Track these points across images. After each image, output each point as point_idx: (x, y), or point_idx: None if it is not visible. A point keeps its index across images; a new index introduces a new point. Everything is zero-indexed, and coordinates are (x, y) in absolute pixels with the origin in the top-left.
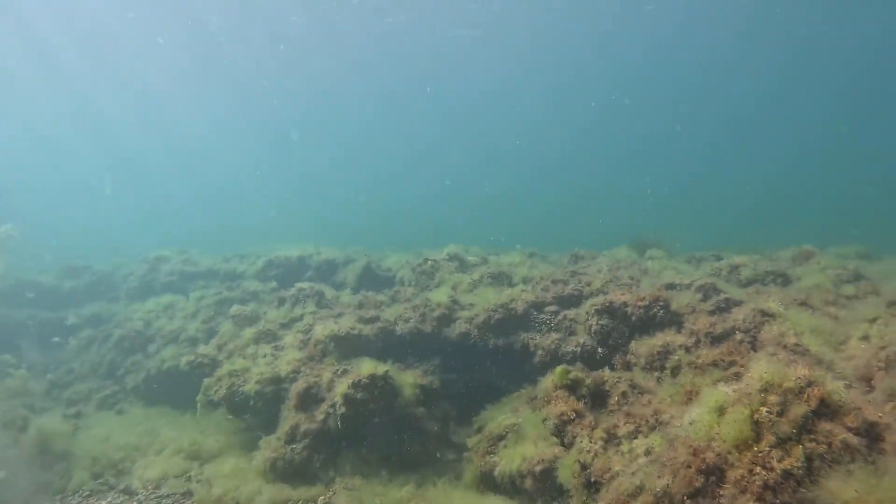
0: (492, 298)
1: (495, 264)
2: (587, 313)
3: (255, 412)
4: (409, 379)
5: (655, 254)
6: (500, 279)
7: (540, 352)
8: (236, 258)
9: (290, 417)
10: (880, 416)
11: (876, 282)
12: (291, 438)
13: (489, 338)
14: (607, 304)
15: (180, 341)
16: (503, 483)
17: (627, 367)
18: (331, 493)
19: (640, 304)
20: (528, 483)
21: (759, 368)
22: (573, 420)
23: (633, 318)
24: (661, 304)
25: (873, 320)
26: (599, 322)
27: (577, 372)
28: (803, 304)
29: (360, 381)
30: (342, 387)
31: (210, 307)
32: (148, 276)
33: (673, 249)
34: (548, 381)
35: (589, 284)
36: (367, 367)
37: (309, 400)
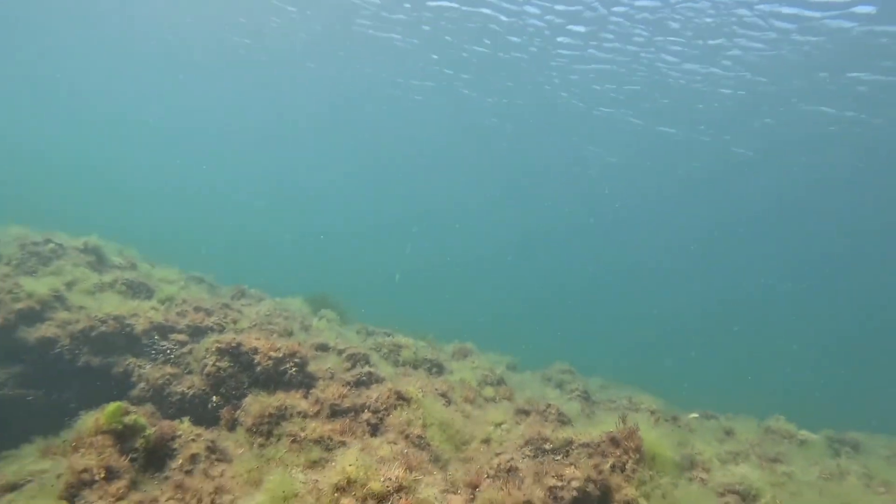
0: (115, 304)
1: (144, 273)
2: (206, 350)
3: None
4: None
5: (328, 314)
6: (139, 291)
7: (142, 384)
8: None
9: None
10: None
11: (514, 388)
12: None
13: (82, 353)
14: (233, 346)
15: None
16: None
17: (233, 424)
18: None
19: (271, 353)
20: None
21: (347, 459)
22: (95, 483)
23: (259, 370)
24: (297, 360)
25: (499, 424)
26: (217, 364)
27: (138, 416)
28: (444, 395)
29: None
30: None
31: None
32: None
33: (350, 316)
34: (91, 419)
35: (235, 322)
36: None
37: None
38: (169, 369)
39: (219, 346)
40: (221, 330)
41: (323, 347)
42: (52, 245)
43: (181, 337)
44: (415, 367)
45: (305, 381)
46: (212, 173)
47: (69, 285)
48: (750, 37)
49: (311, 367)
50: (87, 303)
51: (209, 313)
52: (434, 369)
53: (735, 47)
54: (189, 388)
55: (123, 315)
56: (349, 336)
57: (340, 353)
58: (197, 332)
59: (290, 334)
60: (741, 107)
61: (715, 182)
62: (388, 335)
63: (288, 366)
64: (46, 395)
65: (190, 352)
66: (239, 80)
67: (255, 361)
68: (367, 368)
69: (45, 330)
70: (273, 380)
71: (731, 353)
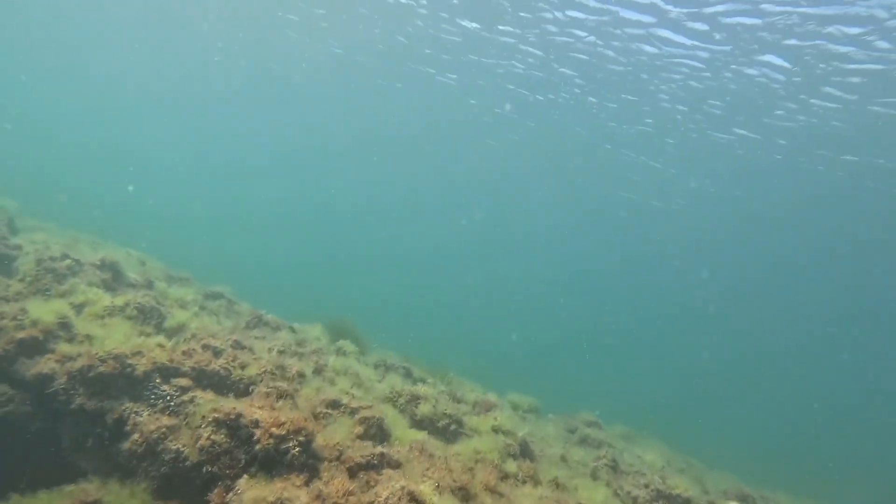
0: (120, 338)
1: (159, 294)
2: (203, 418)
3: None
4: None
5: (346, 346)
6: (150, 316)
7: (136, 436)
8: None
9: None
10: None
11: (538, 456)
12: None
13: (78, 394)
14: (232, 417)
15: None
16: None
17: None
18: None
19: (273, 430)
20: None
21: None
22: None
23: (258, 447)
24: (303, 438)
25: None
26: (212, 437)
27: None
28: (462, 488)
29: None
30: None
31: None
32: None
33: (370, 346)
34: None
35: (243, 367)
36: None
37: None
38: (165, 420)
39: (216, 416)
40: (228, 375)
41: (334, 405)
42: (68, 261)
43: (184, 382)
44: (431, 424)
45: (309, 463)
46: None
47: (79, 308)
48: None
49: (319, 441)
50: (95, 331)
51: (217, 353)
52: (453, 426)
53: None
54: (184, 446)
55: (125, 354)
56: (364, 374)
57: (353, 413)
58: (202, 377)
59: (303, 379)
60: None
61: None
62: (408, 373)
63: (291, 444)
64: (41, 426)
65: (192, 400)
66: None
67: (255, 437)
68: (378, 449)
69: (43, 365)
70: (273, 460)
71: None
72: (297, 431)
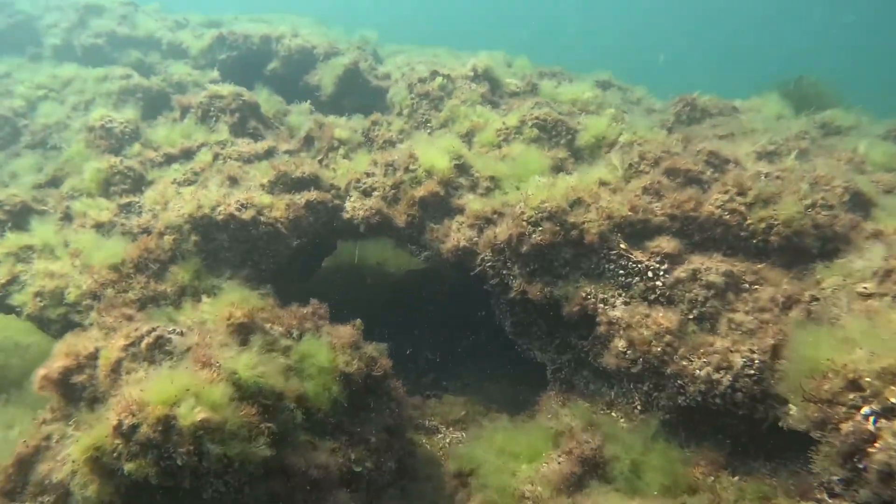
0: (535, 169)
1: (550, 96)
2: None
3: None
4: (321, 356)
5: (838, 119)
6: (557, 133)
7: (621, 345)
8: (193, 27)
9: None
10: None
11: None
12: None
13: (513, 273)
14: None
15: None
16: None
17: None
18: None
19: None
20: None
21: None
22: None
23: None
24: None
25: None
26: None
27: None
28: None
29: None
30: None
31: (110, 96)
32: (74, 32)
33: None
34: None
35: (764, 203)
36: (158, 388)
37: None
38: (663, 320)
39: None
40: (741, 223)
41: None
42: (440, 80)
43: (666, 244)
44: None
45: None
46: None
47: (467, 138)
48: None
49: None
50: (499, 169)
51: (697, 181)
52: None
53: None
54: (720, 371)
55: (561, 208)
56: None
57: None
58: (690, 229)
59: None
60: None
61: None
62: None
63: None
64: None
65: (694, 276)
66: None
67: None
68: None
69: (459, 234)
70: None
71: None
72: None
